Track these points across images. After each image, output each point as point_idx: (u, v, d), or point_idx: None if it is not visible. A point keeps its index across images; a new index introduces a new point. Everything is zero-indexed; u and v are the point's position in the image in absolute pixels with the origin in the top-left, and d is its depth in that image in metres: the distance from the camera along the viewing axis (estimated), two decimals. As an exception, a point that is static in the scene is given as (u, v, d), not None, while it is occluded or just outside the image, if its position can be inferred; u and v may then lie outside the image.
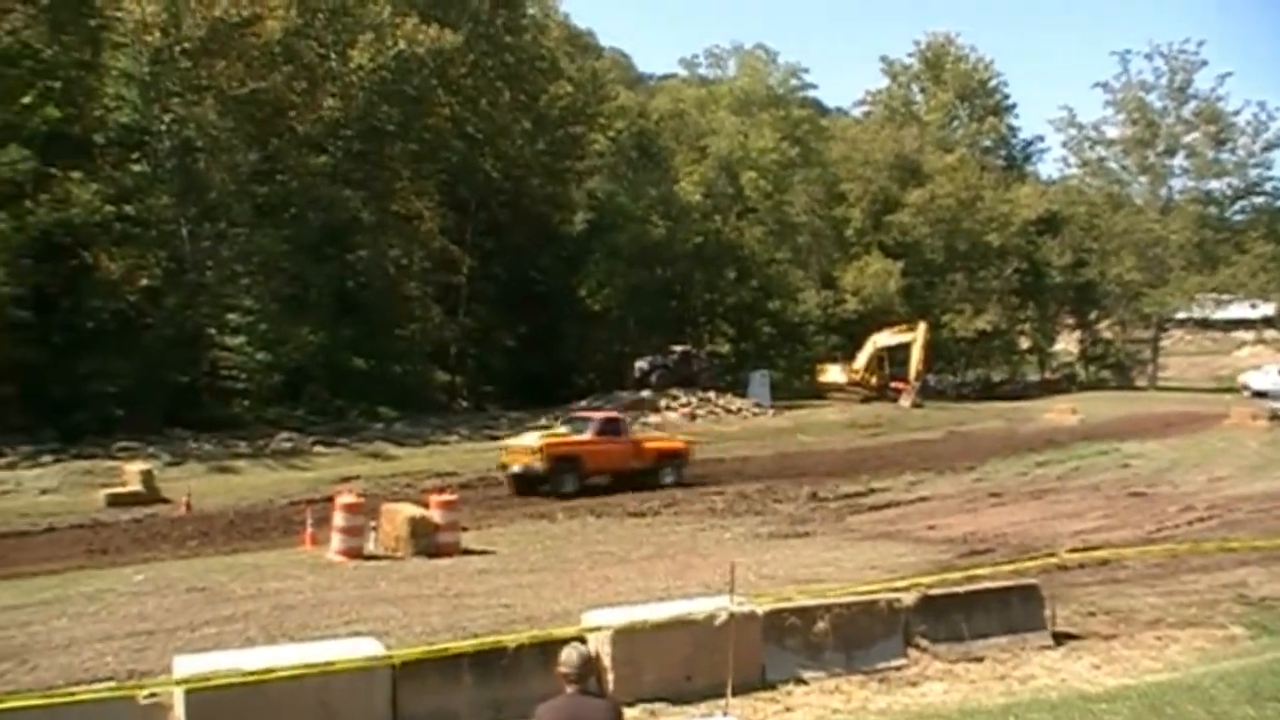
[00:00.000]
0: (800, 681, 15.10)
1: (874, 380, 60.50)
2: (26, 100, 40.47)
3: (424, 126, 52.71)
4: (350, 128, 49.21)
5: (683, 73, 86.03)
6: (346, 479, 32.74)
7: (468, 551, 23.76)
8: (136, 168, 43.01)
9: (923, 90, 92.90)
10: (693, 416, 51.09)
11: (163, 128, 43.37)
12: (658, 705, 13.82)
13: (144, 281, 41.94)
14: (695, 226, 64.50)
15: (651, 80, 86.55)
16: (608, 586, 19.43)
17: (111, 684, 13.65)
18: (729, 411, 53.10)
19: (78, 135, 42.50)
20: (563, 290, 60.00)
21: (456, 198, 55.49)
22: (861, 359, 61.04)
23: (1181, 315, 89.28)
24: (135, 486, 30.62)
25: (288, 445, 39.55)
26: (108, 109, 43.11)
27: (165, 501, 29.95)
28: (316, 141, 48.70)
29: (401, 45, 48.95)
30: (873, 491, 32.19)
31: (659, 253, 62.04)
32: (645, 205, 62.38)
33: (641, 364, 56.51)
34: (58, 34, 42.28)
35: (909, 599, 16.78)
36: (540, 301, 58.58)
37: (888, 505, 30.11)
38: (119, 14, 42.82)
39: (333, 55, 49.32)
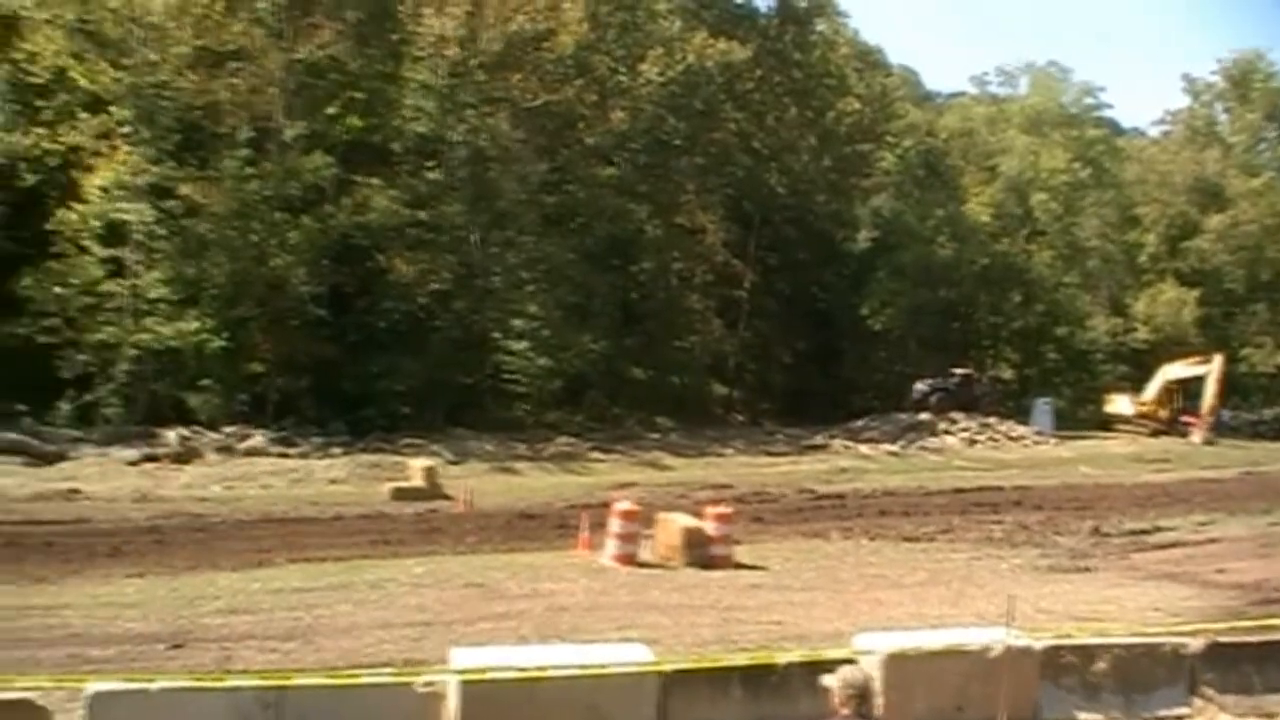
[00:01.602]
0: (1074, 722, 14.46)
1: (1163, 413, 57.77)
2: (331, 110, 42.25)
3: (710, 140, 52.95)
4: (638, 140, 49.75)
5: (972, 90, 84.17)
6: (622, 486, 32.91)
7: (740, 565, 23.56)
8: (431, 176, 44.36)
9: (1227, 110, 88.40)
10: (972, 442, 49.86)
11: (457, 138, 44.62)
12: (926, 735, 13.41)
13: (434, 285, 43.21)
14: (982, 247, 63.00)
15: (940, 98, 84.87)
16: (879, 610, 18.95)
17: (391, 670, 13.99)
18: (1010, 439, 51.57)
19: (377, 144, 44.14)
20: (844, 308, 59.39)
21: (740, 212, 55.55)
22: (1151, 390, 58.40)
23: None
24: (419, 482, 31.47)
25: (566, 449, 40.14)
26: (406, 119, 44.61)
27: (447, 498, 30.65)
28: (604, 153, 49.42)
29: (691, 59, 49.30)
30: (1159, 530, 30.55)
31: (944, 273, 60.84)
32: (931, 225, 61.25)
33: (921, 386, 55.38)
34: (362, 48, 43.99)
35: (1196, 645, 15.79)
36: (821, 318, 58.15)
37: (1174, 545, 28.55)
38: (419, 29, 44.27)
39: (623, 69, 49.96)
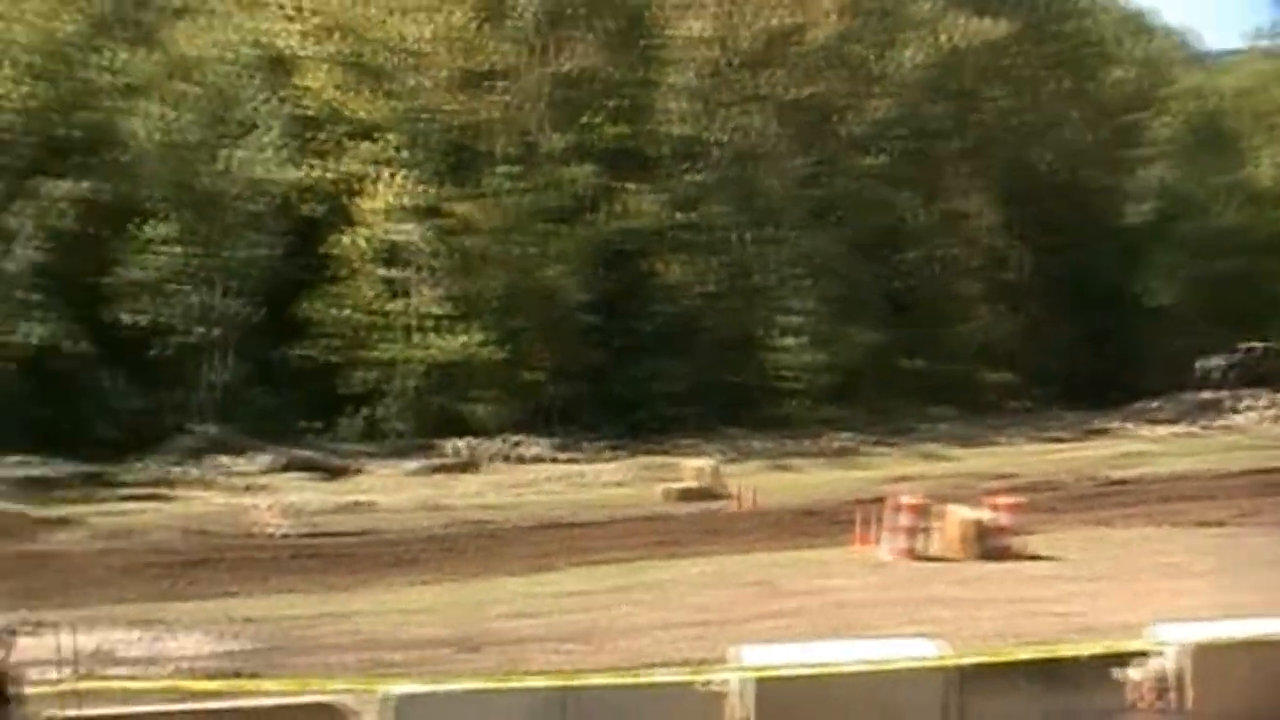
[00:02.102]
0: None
1: None
2: (590, 120, 42.80)
3: (974, 122, 51.70)
4: (898, 127, 48.93)
5: (1257, 45, 79.60)
6: (900, 479, 32.30)
7: (1026, 557, 22.88)
8: (693, 177, 44.51)
9: None
10: (1267, 419, 47.26)
11: (717, 138, 44.69)
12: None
13: (701, 287, 43.35)
14: (1270, 214, 59.68)
15: (1218, 58, 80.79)
16: (1176, 600, 18.02)
17: (679, 669, 14.00)
18: (1308, 417, 48.67)
19: (638, 150, 44.53)
20: (1119, 285, 57.08)
21: (1008, 193, 54.00)
22: None
23: None
24: (695, 482, 31.54)
25: (841, 445, 39.68)
26: (664, 123, 44.87)
27: (724, 497, 30.69)
28: (865, 143, 48.73)
29: (950, 41, 48.25)
30: None
31: (1227, 242, 57.87)
32: (1213, 192, 58.29)
33: (1207, 362, 52.78)
34: (617, 57, 44.43)
35: None
36: (1096, 297, 56.03)
37: None
38: (673, 33, 44.49)
39: (880, 56, 49.19)
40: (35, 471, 31.23)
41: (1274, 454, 36.83)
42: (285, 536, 26.06)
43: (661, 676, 13.09)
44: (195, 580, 21.91)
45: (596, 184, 42.04)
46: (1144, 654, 11.47)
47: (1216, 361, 52.29)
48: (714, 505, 29.76)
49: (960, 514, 23.69)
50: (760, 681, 12.30)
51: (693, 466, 32.88)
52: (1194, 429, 45.04)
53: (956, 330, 50.59)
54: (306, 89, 40.84)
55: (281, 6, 41.58)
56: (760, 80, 45.41)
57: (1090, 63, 56.40)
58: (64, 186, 36.70)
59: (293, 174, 39.89)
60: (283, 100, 40.87)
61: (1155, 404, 48.66)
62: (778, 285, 44.79)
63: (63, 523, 27.15)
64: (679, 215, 42.98)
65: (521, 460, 36.43)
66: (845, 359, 44.04)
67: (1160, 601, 17.81)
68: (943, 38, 48.36)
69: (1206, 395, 49.58)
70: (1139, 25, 64.13)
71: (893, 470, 35.19)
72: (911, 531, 23.02)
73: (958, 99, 50.15)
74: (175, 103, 39.36)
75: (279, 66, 41.60)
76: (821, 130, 47.72)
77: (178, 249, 38.51)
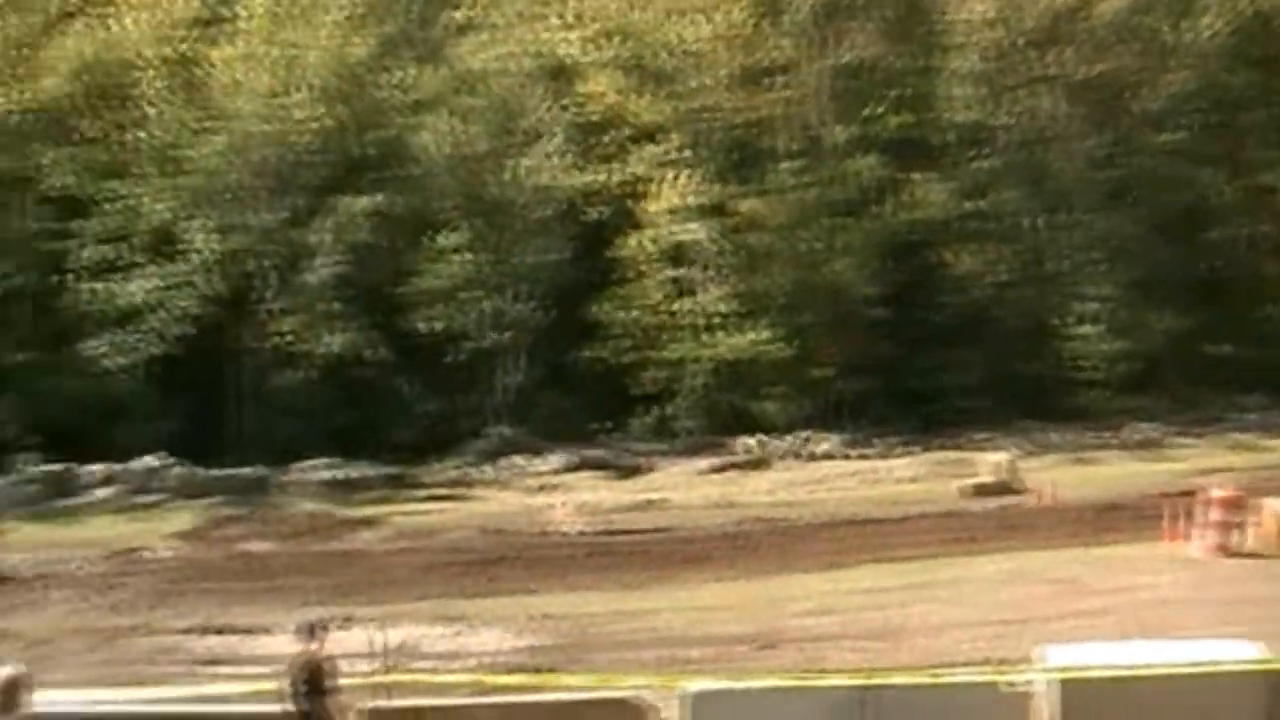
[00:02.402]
0: None
1: None
2: (873, 110, 42.24)
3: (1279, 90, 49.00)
4: (1197, 100, 46.74)
5: None
6: (1209, 471, 30.82)
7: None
8: (980, 164, 43.47)
9: None
10: None
11: (1004, 122, 43.55)
12: None
13: (993, 275, 42.34)
14: None
15: None
16: None
17: (982, 669, 13.64)
18: None
19: (922, 138, 43.74)
20: None
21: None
22: None
23: None
24: (992, 477, 30.80)
25: (1143, 436, 38.10)
26: (948, 110, 43.96)
27: (1022, 492, 29.83)
28: (1161, 119, 46.71)
29: (1254, 4, 45.83)
30: None
31: None
32: None
33: None
34: (897, 44, 43.73)
35: None
36: None
37: None
38: (955, 16, 43.53)
39: (1175, 26, 47.09)
40: (340, 474, 32.67)
41: None
42: (580, 535, 26.55)
43: (963, 676, 12.75)
44: (494, 578, 22.51)
45: (882, 175, 41.44)
46: None
47: None
48: (1012, 500, 28.99)
49: (1278, 508, 22.46)
50: (1066, 683, 11.93)
51: (989, 461, 32.11)
52: None
53: (1267, 313, 48.05)
54: (588, 95, 41.43)
55: (561, 16, 42.32)
56: (1047, 60, 44.06)
57: None
58: (360, 202, 38.12)
59: (577, 179, 40.52)
60: (565, 107, 41.58)
61: None
62: (1072, 271, 43.33)
63: (367, 523, 28.32)
64: (967, 203, 42.00)
65: (812, 457, 36.17)
66: (1146, 346, 42.31)
67: None
68: (1243, 2, 46.04)
69: None
70: None
71: (1200, 462, 33.56)
72: (1225, 527, 21.96)
73: (1261, 66, 47.56)
74: (463, 116, 40.51)
75: (560, 75, 42.36)
76: (1114, 108, 45.98)
77: (469, 257, 39.63)
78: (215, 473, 32.60)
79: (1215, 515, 21.97)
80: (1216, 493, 22.77)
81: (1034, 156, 43.44)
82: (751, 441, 37.14)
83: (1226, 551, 21.63)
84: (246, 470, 33.09)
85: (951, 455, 35.06)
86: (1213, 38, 45.40)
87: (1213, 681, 11.91)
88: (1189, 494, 24.52)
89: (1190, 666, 11.97)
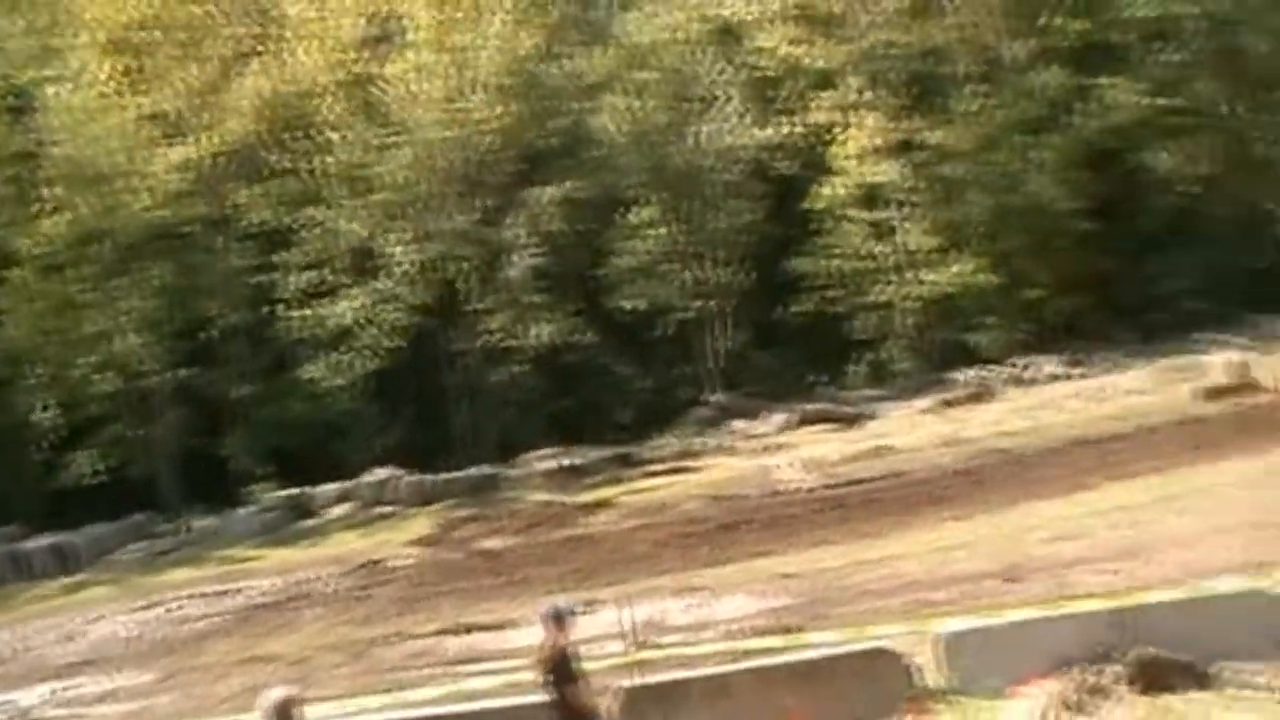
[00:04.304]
0: None
1: None
2: (1049, 21, 41.02)
3: None
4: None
5: None
6: None
7: None
8: (1169, 59, 41.90)
9: None
10: None
11: (1189, 11, 41.83)
12: None
13: (1197, 171, 40.87)
14: None
15: None
16: None
17: (1237, 577, 13.28)
18: None
19: (1104, 42, 42.28)
20: None
21: None
22: None
23: None
24: (1224, 378, 29.74)
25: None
26: (1128, 7, 42.46)
27: (1260, 389, 28.71)
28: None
29: None
30: None
31: None
32: None
33: None
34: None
35: None
36: None
37: None
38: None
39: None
40: (565, 461, 33.11)
41: None
42: (810, 491, 26.48)
43: (1225, 587, 12.39)
44: (730, 544, 22.61)
45: (1067, 85, 40.23)
46: None
47: None
48: (1248, 400, 27.94)
49: None
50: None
51: (1218, 362, 31.00)
52: None
53: None
54: (759, 50, 41.22)
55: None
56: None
57: None
58: (549, 192, 38.55)
59: (760, 137, 40.35)
60: (738, 67, 41.43)
61: None
62: (1281, 157, 41.62)
63: (598, 506, 28.68)
64: (1160, 100, 40.55)
65: (1034, 382, 35.43)
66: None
67: None
68: None
69: None
70: None
71: None
72: None
73: None
74: (638, 92, 40.63)
75: (729, 35, 42.18)
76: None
77: (662, 230, 39.93)
78: (444, 477, 33.30)
79: None
80: None
81: (1223, 42, 41.76)
82: (970, 374, 36.61)
83: None
84: (474, 470, 33.78)
85: (1178, 361, 33.87)
86: None
87: None
88: None
89: None
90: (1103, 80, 40.25)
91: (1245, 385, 29.16)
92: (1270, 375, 29.22)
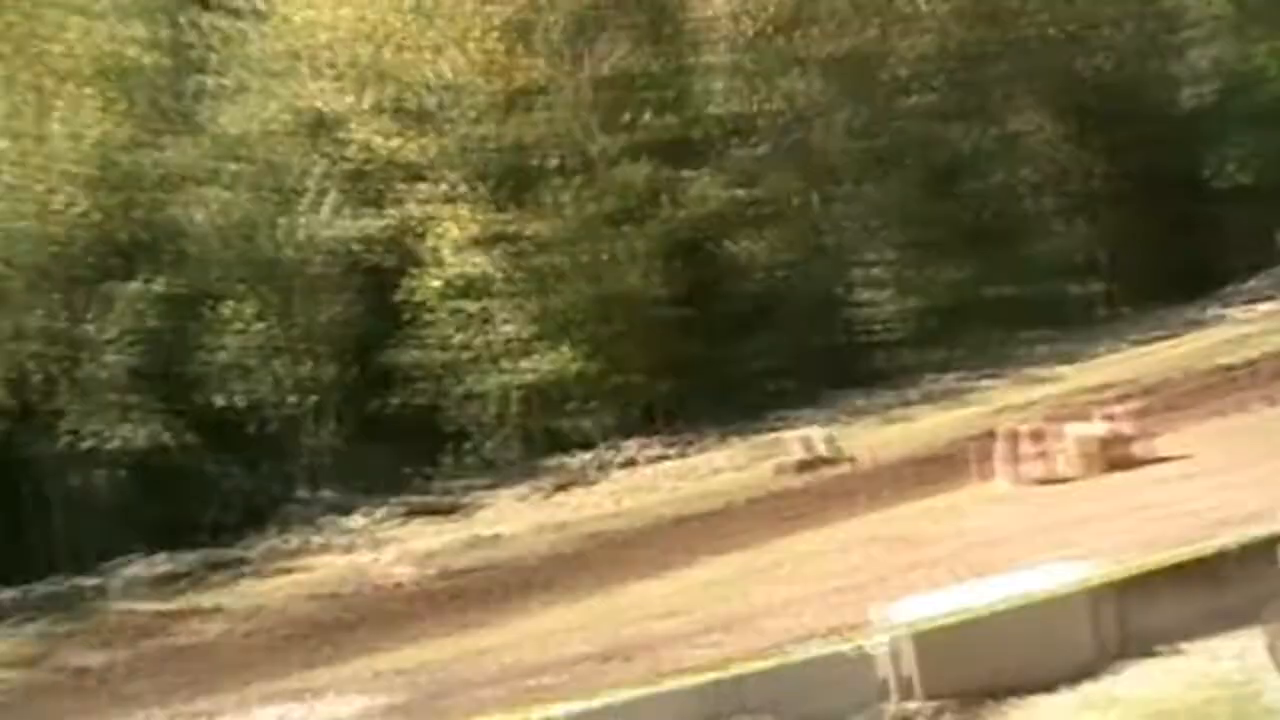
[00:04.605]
0: None
1: None
2: (636, 117, 42.58)
3: (1015, 40, 50.97)
4: (942, 61, 48.35)
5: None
6: (1010, 408, 31.88)
7: (1157, 459, 22.53)
8: (747, 152, 44.16)
9: None
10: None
11: (763, 108, 44.36)
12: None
13: (777, 257, 43.12)
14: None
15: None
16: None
17: (825, 640, 13.89)
18: None
19: (688, 136, 44.24)
20: (1191, 172, 55.97)
21: (1062, 104, 53.22)
22: None
23: None
24: (804, 453, 31.24)
25: (945, 386, 39.17)
26: (709, 104, 44.60)
27: (835, 462, 30.36)
28: (912, 83, 48.19)
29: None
30: None
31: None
32: (1265, 63, 57.23)
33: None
34: (650, 49, 44.11)
35: None
36: (1169, 189, 54.83)
37: None
38: (702, 14, 44.18)
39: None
40: (162, 568, 31.66)
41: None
42: (415, 584, 26.23)
43: (814, 651, 12.98)
44: (337, 644, 22.10)
45: (654, 178, 41.84)
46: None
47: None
48: (831, 471, 29.52)
49: (1077, 431, 23.51)
50: (916, 636, 12.22)
51: (804, 437, 32.61)
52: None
53: (1036, 250, 49.92)
54: (353, 142, 41.05)
55: (313, 67, 41.73)
56: (795, 42, 45.03)
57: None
58: (136, 287, 37.12)
59: (355, 228, 40.12)
60: (333, 158, 41.15)
61: (1248, 284, 47.69)
62: (852, 240, 44.51)
63: (197, 612, 27.52)
64: (741, 192, 42.70)
65: (632, 465, 36.33)
66: (932, 300, 43.72)
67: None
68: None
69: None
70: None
71: (999, 402, 34.55)
72: (1033, 458, 22.82)
73: (995, 23, 49.43)
74: (230, 183, 39.75)
75: (322, 126, 41.84)
76: (865, 79, 47.19)
77: (258, 325, 38.99)
78: (33, 590, 31.31)
79: (1024, 449, 22.84)
80: (1021, 427, 23.63)
81: (796, 137, 44.42)
82: (571, 460, 37.20)
83: (1039, 481, 22.46)
84: (64, 582, 31.86)
85: (768, 438, 35.57)
86: (945, 1, 47.09)
87: (1051, 605, 12.38)
88: (991, 434, 25.38)
89: (1029, 596, 12.41)
90: (688, 173, 42.10)
91: (828, 458, 30.75)
92: (849, 447, 31.00)
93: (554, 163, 41.70)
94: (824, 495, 26.61)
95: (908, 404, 37.98)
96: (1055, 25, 52.92)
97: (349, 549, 31.73)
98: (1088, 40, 54.01)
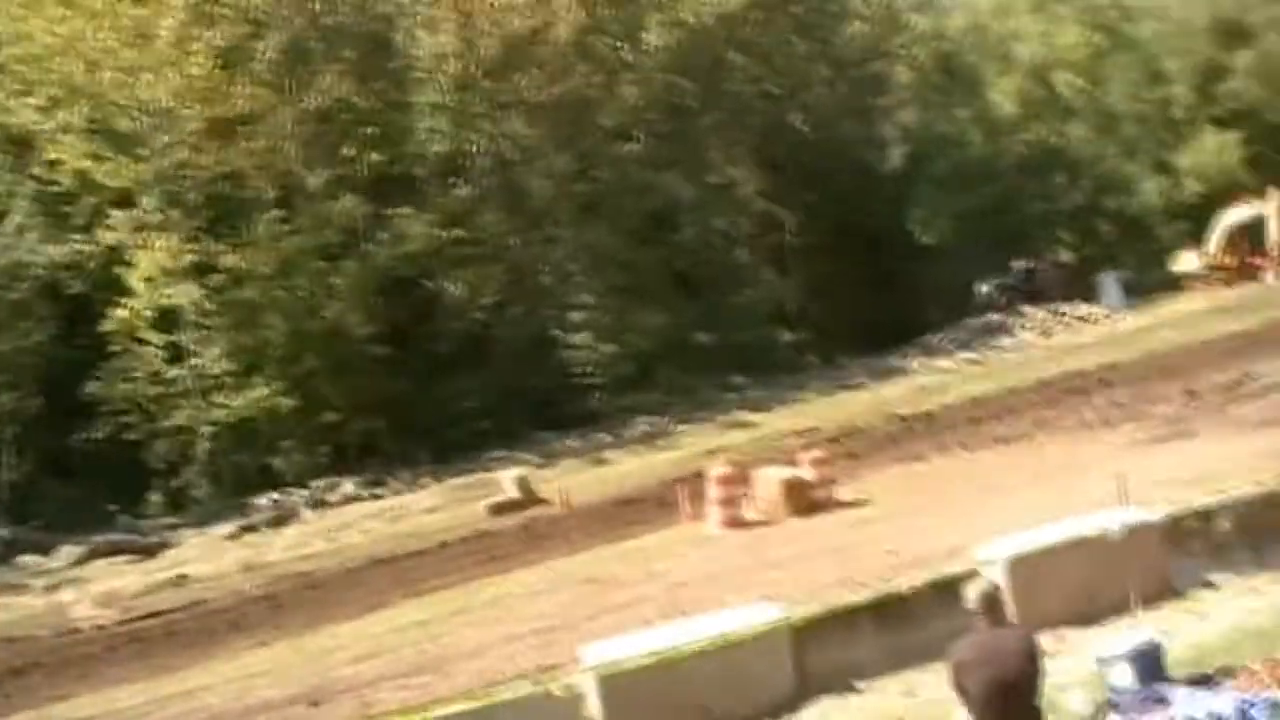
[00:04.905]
0: (1209, 585, 14.31)
1: (1232, 261, 56.66)
2: (349, 151, 42.33)
3: (725, 94, 52.69)
4: (653, 111, 49.57)
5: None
6: (713, 452, 32.76)
7: (844, 504, 23.56)
8: (459, 193, 44.36)
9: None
10: (1046, 332, 49.43)
11: (476, 148, 44.65)
12: (1064, 630, 13.32)
13: (487, 298, 43.32)
14: (1015, 138, 62.63)
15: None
16: (993, 517, 18.76)
17: (526, 681, 14.08)
18: (1084, 320, 51.06)
19: (400, 174, 44.21)
20: (891, 229, 59.03)
21: (769, 157, 55.27)
22: (1214, 242, 57.15)
23: None
24: (513, 493, 31.48)
25: (648, 429, 40.07)
26: (422, 142, 44.68)
27: (544, 502, 30.71)
28: (624, 131, 49.24)
29: (689, 18, 49.05)
30: (1251, 378, 30.13)
31: (982, 172, 60.33)
32: (960, 127, 60.91)
33: (984, 287, 55.05)
34: (365, 84, 43.98)
35: (1314, 486, 15.69)
36: (871, 245, 57.68)
37: (1271, 390, 28.20)
38: (417, 54, 44.22)
39: (624, 44, 49.71)
40: None
41: (1056, 363, 38.72)
42: (107, 627, 25.27)
43: (513, 693, 13.14)
44: (24, 689, 21.15)
45: (364, 214, 41.59)
46: (972, 576, 11.96)
47: (991, 285, 54.63)
48: (534, 512, 29.76)
49: (774, 475, 24.29)
50: (606, 678, 12.50)
51: (507, 478, 32.76)
52: (980, 353, 46.88)
53: (741, 298, 51.55)
54: (53, 164, 39.43)
55: (18, 82, 39.97)
56: (510, 86, 45.49)
57: (827, 22, 58.31)
58: None
59: (53, 253, 38.62)
60: (32, 178, 39.49)
61: (941, 336, 50.51)
62: (560, 284, 45.12)
63: None
64: (451, 232, 42.78)
65: (334, 504, 35.90)
66: (637, 345, 44.60)
67: (978, 522, 18.44)
68: (683, 15, 49.13)
69: (988, 318, 51.74)
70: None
71: (702, 445, 35.60)
72: (732, 501, 23.49)
73: (703, 75, 50.99)
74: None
75: (21, 146, 40.15)
76: (577, 126, 48.01)
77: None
78: None
79: (722, 492, 23.46)
80: (718, 471, 24.29)
81: (508, 179, 44.82)
82: (270, 499, 36.47)
83: (736, 523, 23.15)
84: None
85: (471, 479, 35.71)
86: (660, 52, 48.33)
87: (742, 646, 12.85)
88: (698, 476, 26.06)
89: (720, 636, 12.86)
90: (397, 210, 41.97)
91: (531, 499, 31.01)
92: (553, 489, 31.34)
93: (262, 194, 41.07)
94: (535, 535, 26.84)
95: (612, 446, 38.69)
96: (763, 83, 55.08)
97: (38, 590, 30.31)
98: (794, 99, 56.36)
